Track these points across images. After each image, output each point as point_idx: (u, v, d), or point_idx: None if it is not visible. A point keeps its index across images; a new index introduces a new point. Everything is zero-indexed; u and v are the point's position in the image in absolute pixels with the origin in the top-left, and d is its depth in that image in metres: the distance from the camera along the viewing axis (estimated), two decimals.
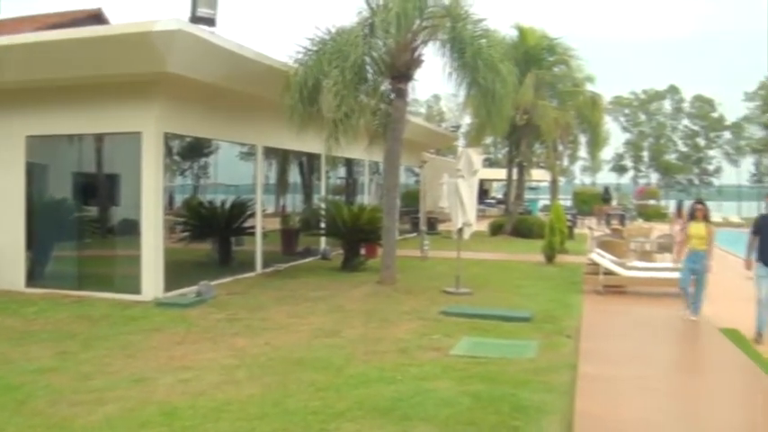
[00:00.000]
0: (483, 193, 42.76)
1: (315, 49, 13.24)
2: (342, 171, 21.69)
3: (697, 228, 11.07)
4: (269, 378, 6.96)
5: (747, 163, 73.03)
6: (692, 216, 11.32)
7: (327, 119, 12.98)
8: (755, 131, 69.35)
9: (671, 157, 79.53)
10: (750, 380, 7.51)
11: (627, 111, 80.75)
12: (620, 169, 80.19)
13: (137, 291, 11.62)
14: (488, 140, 43.13)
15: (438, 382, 6.86)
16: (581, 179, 78.76)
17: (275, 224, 17.31)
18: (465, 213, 13.21)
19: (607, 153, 72.85)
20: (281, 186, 17.94)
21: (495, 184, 50.49)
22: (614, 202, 41.48)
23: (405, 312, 10.65)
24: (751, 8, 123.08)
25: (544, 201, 40.44)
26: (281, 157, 17.31)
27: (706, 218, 11.19)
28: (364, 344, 8.51)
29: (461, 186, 13.14)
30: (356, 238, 16.28)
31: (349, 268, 15.77)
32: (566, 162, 34.37)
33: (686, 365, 8.73)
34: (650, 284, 13.47)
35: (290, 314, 10.44)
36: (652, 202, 49.92)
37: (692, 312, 10.88)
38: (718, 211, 47.42)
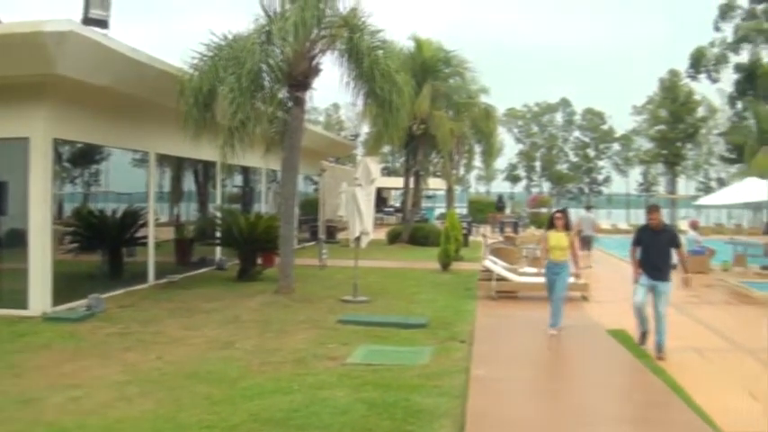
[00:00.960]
0: (381, 201, 43.10)
1: (210, 54, 13.05)
2: (238, 179, 21.42)
3: (557, 238, 10.49)
4: (162, 393, 6.82)
5: (635, 173, 76.68)
6: (551, 225, 10.69)
7: (223, 126, 12.83)
8: (643, 143, 72.87)
9: (562, 167, 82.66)
10: (635, 377, 7.90)
11: (520, 122, 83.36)
12: (513, 178, 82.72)
13: (23, 305, 11.13)
14: (386, 149, 43.54)
15: (334, 390, 6.90)
16: (476, 188, 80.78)
17: (169, 234, 16.88)
18: (362, 222, 13.30)
19: (501, 163, 75.20)
20: (176, 195, 17.56)
21: (393, 193, 50.95)
22: (508, 211, 42.66)
23: (301, 322, 10.63)
24: (640, 26, 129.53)
25: (440, 209, 41.11)
26: (176, 165, 16.95)
27: (567, 227, 10.65)
28: (260, 355, 8.46)
29: (359, 195, 13.23)
30: (253, 247, 16.10)
31: (245, 278, 15.58)
32: (461, 171, 35.13)
33: (574, 365, 9.09)
34: (541, 290, 13.87)
35: (183, 326, 10.24)
36: (544, 210, 51.54)
37: (550, 326, 10.34)
38: (607, 218, 49.60)
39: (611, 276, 17.85)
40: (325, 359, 8.26)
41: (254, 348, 8.83)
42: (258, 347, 8.89)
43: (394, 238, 26.88)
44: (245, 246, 16.02)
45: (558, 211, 11.11)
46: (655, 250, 9.50)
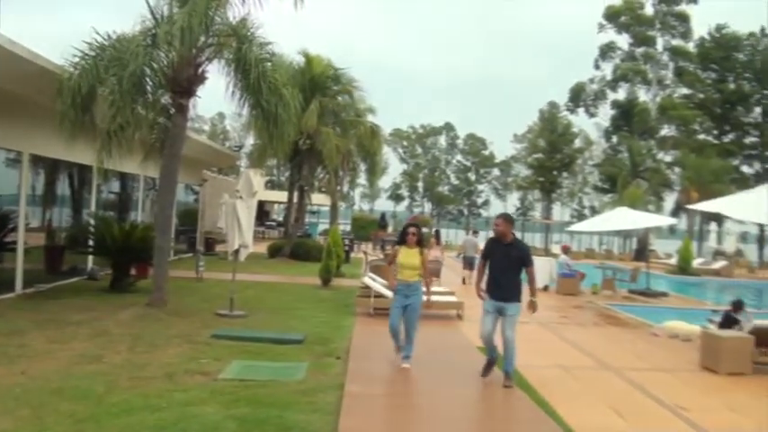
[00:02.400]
0: (264, 215, 42.60)
1: (93, 54, 12.47)
2: (115, 186, 20.62)
3: (408, 255, 9.18)
4: (24, 410, 6.38)
5: (513, 198, 79.29)
6: (403, 240, 9.32)
7: (101, 129, 12.32)
8: (521, 170, 75.41)
9: (444, 189, 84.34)
10: (504, 394, 8.08)
11: (405, 143, 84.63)
12: (397, 197, 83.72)
13: None
14: (272, 163, 43.15)
15: (204, 407, 6.69)
16: (360, 205, 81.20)
17: (40, 240, 15.97)
18: (242, 235, 13.06)
19: (385, 182, 75.91)
20: (49, 199, 16.66)
21: (276, 207, 50.49)
22: (390, 229, 43.05)
23: (174, 336, 10.26)
24: (525, 59, 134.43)
25: (324, 225, 41.04)
26: (51, 167, 16.09)
27: (420, 243, 9.31)
28: (129, 370, 8.09)
29: (239, 207, 12.99)
30: (127, 257, 15.48)
31: (118, 289, 14.93)
32: (346, 188, 35.28)
33: (446, 382, 9.14)
34: (438, 308, 14.04)
35: (50, 339, 9.64)
36: (424, 229, 52.36)
37: (403, 359, 9.18)
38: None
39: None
40: (197, 375, 8.01)
41: (124, 363, 8.45)
42: (127, 362, 8.51)
43: (275, 252, 26.57)
44: (119, 255, 15.37)
45: (410, 225, 9.71)
46: (502, 266, 8.55)
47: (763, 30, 57.22)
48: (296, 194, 28.11)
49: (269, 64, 13.73)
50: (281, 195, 37.31)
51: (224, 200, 14.21)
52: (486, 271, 8.85)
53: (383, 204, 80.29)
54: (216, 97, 14.89)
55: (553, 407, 7.54)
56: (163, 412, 6.46)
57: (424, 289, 9.35)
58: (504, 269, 8.52)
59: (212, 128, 78.75)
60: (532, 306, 8.61)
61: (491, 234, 9.46)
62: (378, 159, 30.00)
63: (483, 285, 8.87)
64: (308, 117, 23.37)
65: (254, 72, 13.15)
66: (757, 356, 10.39)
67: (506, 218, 8.95)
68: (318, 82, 26.01)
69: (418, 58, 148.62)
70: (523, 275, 8.70)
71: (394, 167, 79.85)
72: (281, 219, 44.71)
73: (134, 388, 7.30)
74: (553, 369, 9.77)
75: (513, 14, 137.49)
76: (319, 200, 35.47)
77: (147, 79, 13.16)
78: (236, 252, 13.27)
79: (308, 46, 26.73)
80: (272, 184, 54.41)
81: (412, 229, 9.37)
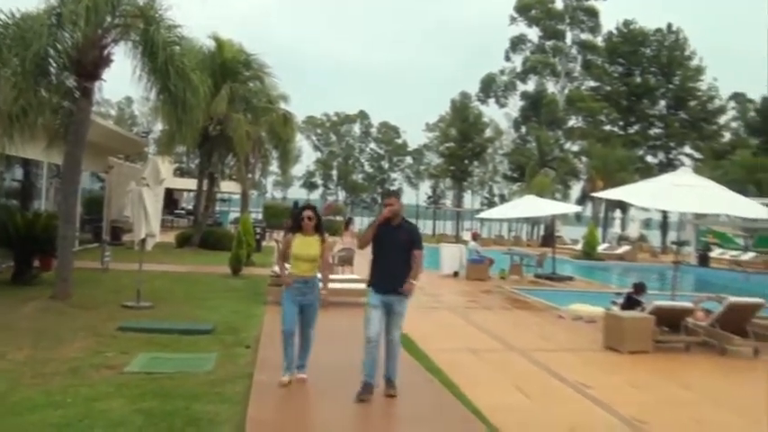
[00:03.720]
0: (173, 203, 41.69)
1: None
2: (18, 173, 19.75)
3: (305, 244, 7.59)
4: None
5: (425, 186, 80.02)
6: (298, 227, 7.65)
7: (2, 112, 11.77)
8: (433, 158, 76.16)
9: (358, 177, 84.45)
10: (413, 377, 8.12)
11: (319, 131, 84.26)
12: (310, 185, 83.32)
13: None
14: (181, 149, 42.20)
15: (110, 401, 6.52)
16: (273, 193, 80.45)
17: None
18: (149, 224, 12.73)
19: (299, 169, 75.38)
20: None
21: (185, 195, 49.48)
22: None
23: (79, 329, 9.93)
24: (438, 49, 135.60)
25: (235, 213, 40.50)
26: None
27: (319, 229, 7.70)
28: (32, 366, 7.78)
29: (146, 195, 12.66)
30: (30, 248, 14.88)
31: (20, 282, 14.30)
32: (257, 175, 34.88)
33: (354, 367, 9.14)
34: (330, 295, 14.03)
35: None
36: (338, 217, 52.37)
37: (298, 369, 7.71)
38: None
39: None
40: (103, 369, 7.77)
41: (26, 359, 8.12)
42: (30, 358, 8.18)
43: (184, 241, 26.00)
44: (21, 246, 14.77)
45: (306, 207, 7.94)
46: (390, 253, 7.25)
47: (669, 26, 59.71)
48: (205, 182, 27.61)
49: (177, 47, 13.41)
50: (191, 183, 36.57)
51: (131, 188, 13.82)
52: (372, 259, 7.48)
53: (296, 192, 79.92)
54: (123, 81, 14.44)
55: (461, 389, 7.70)
56: (67, 408, 6.26)
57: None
58: (393, 257, 7.23)
59: (119, 113, 76.40)
60: (409, 287, 7.18)
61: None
62: (290, 147, 29.83)
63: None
64: (218, 103, 22.97)
65: (161, 55, 12.81)
66: (658, 335, 10.89)
67: (399, 196, 7.75)
68: (229, 67, 25.54)
69: (332, 45, 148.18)
70: None
71: (307, 155, 79.51)
72: (190, 207, 43.87)
73: (37, 385, 7.03)
74: (462, 352, 9.96)
75: (429, 4, 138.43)
76: (230, 188, 34.98)
77: (51, 60, 12.71)
78: (143, 242, 12.94)
79: (220, 30, 26.11)
80: (181, 172, 53.26)
81: (308, 213, 7.66)
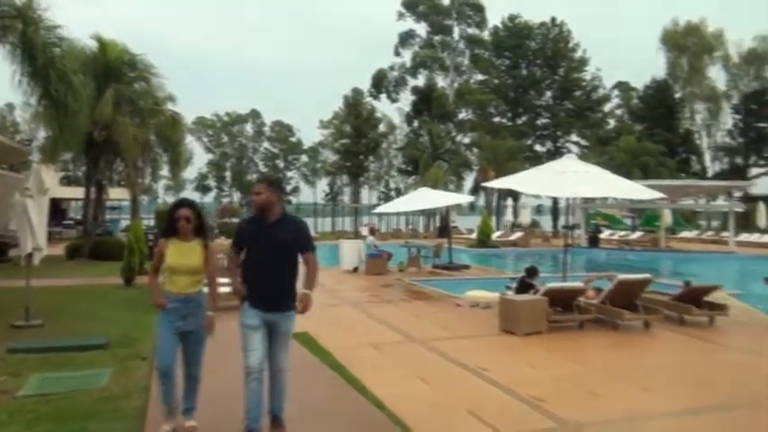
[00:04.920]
0: (60, 213, 40.03)
1: None
2: None
3: (182, 252, 5.93)
4: None
5: (322, 183, 79.91)
6: (172, 230, 5.96)
7: None
8: (329, 155, 76.12)
9: (252, 177, 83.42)
10: (315, 375, 8.14)
11: (210, 132, 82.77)
12: (203, 188, 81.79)
13: None
14: (67, 156, 40.59)
15: (4, 429, 6.19)
16: (164, 198, 78.42)
17: None
18: (35, 237, 12.15)
19: (191, 172, 73.88)
20: None
21: (73, 204, 47.58)
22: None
23: None
24: (330, 46, 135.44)
25: (126, 221, 39.30)
26: None
27: (201, 232, 6.01)
28: None
29: (30, 207, 12.08)
30: None
31: None
32: (147, 180, 33.92)
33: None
34: (229, 299, 13.83)
35: None
36: (234, 219, 51.60)
37: (184, 413, 6.10)
38: None
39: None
40: None
41: None
42: None
43: (74, 253, 24.97)
44: None
45: (181, 204, 6.13)
46: (268, 258, 5.74)
47: (553, 19, 62.07)
48: (93, 190, 26.58)
49: (58, 49, 12.94)
50: (79, 192, 35.16)
51: (15, 199, 13.16)
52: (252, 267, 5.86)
53: (189, 196, 77.91)
54: (3, 86, 13.78)
55: (363, 383, 7.74)
56: None
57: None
58: (272, 262, 5.73)
59: (1, 120, 72.72)
60: (304, 301, 5.73)
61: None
62: (181, 149, 29.06)
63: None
64: (103, 106, 22.14)
65: (41, 58, 12.33)
66: (551, 315, 11.28)
67: (270, 182, 5.92)
68: (113, 68, 24.61)
69: (220, 44, 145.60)
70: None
71: (199, 157, 77.91)
72: (79, 217, 42.22)
73: None
74: (364, 347, 10.00)
75: (316, 1, 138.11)
76: (119, 194, 33.86)
77: None
78: (30, 256, 12.34)
79: (102, 31, 25.05)
80: (68, 180, 51.22)
81: (183, 212, 5.94)
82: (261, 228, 5.80)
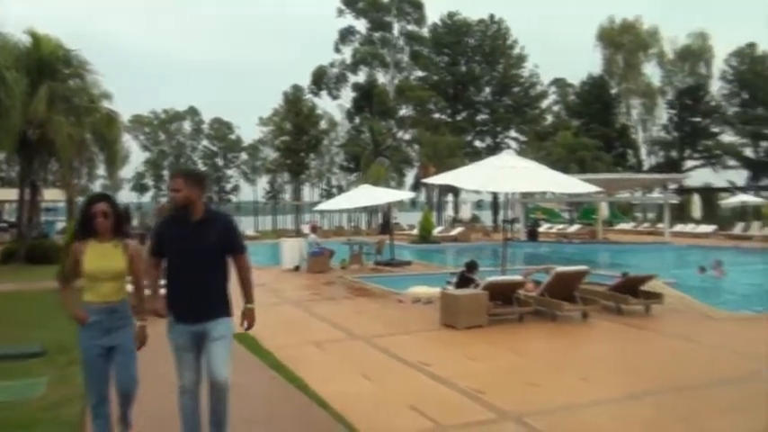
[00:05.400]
0: None
1: None
2: None
3: (100, 254, 5.08)
4: None
5: (263, 181, 79.13)
6: (89, 230, 5.09)
7: None
8: (269, 153, 75.46)
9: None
10: (256, 376, 8.09)
11: (147, 129, 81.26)
12: (141, 188, 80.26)
13: None
14: (1, 156, 39.39)
15: None
16: None
17: None
18: None
19: (127, 171, 72.39)
20: None
21: (8, 206, 46.21)
22: (135, 222, 41.31)
23: None
24: (270, 43, 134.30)
25: (62, 222, 38.37)
26: None
27: (120, 230, 5.18)
28: None
29: None
30: None
31: None
32: (83, 181, 33.15)
33: None
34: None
35: None
36: None
37: None
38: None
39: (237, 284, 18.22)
40: None
41: None
42: None
43: (8, 257, 24.21)
44: None
45: (97, 199, 5.18)
46: (192, 262, 5.01)
47: (491, 16, 62.95)
48: (27, 191, 25.86)
49: None
50: (12, 193, 34.17)
51: None
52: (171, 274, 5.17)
53: (127, 196, 76.62)
54: None
55: (306, 382, 7.72)
56: None
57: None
58: (198, 267, 5.02)
59: None
60: (248, 317, 5.28)
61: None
62: (117, 148, 28.42)
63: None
64: (37, 103, 21.48)
65: None
66: (492, 309, 11.43)
67: (189, 175, 5.11)
68: (47, 64, 23.84)
69: (157, 40, 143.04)
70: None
71: (136, 156, 76.29)
72: (13, 220, 41.03)
73: None
74: (306, 346, 9.98)
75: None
76: (55, 195, 32.99)
77: None
78: None
79: (38, 25, 24.35)
80: (2, 182, 49.72)
81: (100, 206, 5.07)
82: (183, 229, 5.03)
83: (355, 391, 7.49)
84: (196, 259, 5.01)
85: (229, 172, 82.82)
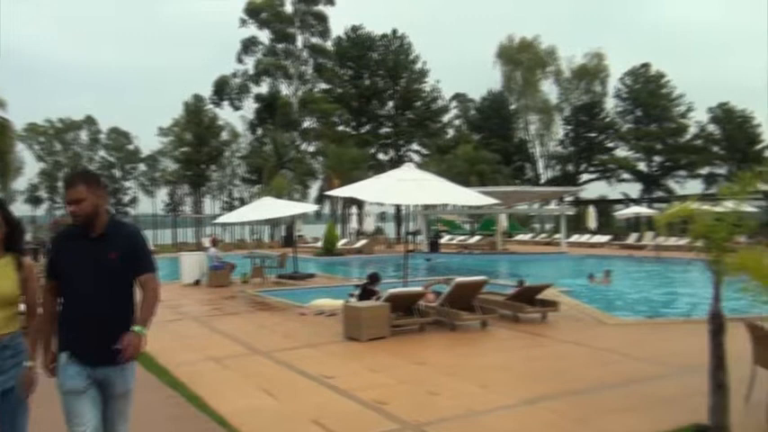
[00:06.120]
0: None
1: None
2: None
3: None
4: None
5: (162, 193, 77.14)
6: None
7: None
8: (169, 164, 73.70)
9: None
10: (153, 395, 7.82)
11: (42, 139, 78.09)
12: (35, 200, 76.98)
13: None
14: None
15: None
16: None
17: None
18: None
19: (21, 183, 69.41)
20: None
21: None
22: (29, 236, 39.65)
23: None
24: (170, 51, 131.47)
25: None
26: None
27: (14, 244, 4.25)
28: None
29: None
30: None
31: None
32: None
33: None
34: None
35: None
36: None
37: None
38: None
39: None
40: None
41: None
42: None
43: None
44: None
45: None
46: (90, 286, 4.05)
47: (394, 31, 63.75)
48: None
49: None
50: None
51: None
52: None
53: (20, 209, 73.31)
54: None
55: (205, 400, 7.56)
56: None
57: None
58: (97, 293, 4.06)
59: None
60: (132, 343, 3.89)
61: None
62: (9, 158, 27.34)
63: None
64: None
65: None
66: (393, 320, 11.51)
67: (90, 179, 4.19)
68: None
69: (55, 47, 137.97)
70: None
71: (30, 167, 73.16)
72: None
73: None
74: (205, 362, 9.78)
75: (158, 4, 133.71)
76: None
77: None
78: None
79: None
80: None
81: None
82: (81, 246, 4.11)
83: (256, 408, 7.38)
84: (97, 282, 4.04)
85: (127, 183, 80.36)
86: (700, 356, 6.09)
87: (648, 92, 63.06)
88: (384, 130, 65.03)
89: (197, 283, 20.73)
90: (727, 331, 5.98)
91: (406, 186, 13.65)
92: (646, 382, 8.21)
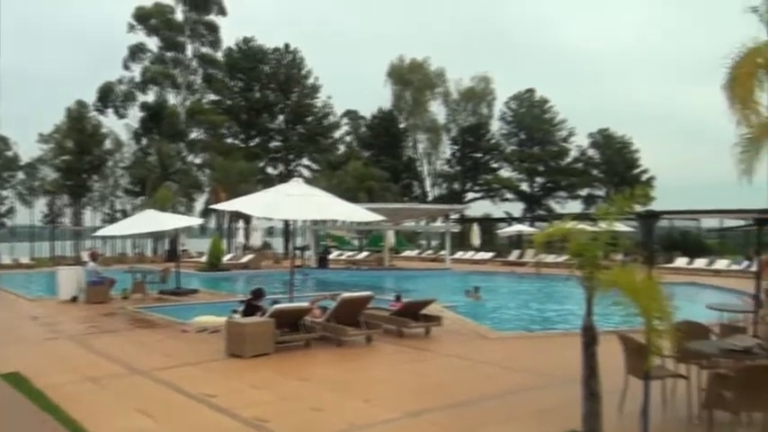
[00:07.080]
0: None
1: None
2: None
3: None
4: None
5: (41, 204, 73.45)
6: None
7: None
8: (49, 173, 70.32)
9: None
10: (27, 419, 7.50)
11: None
12: None
13: None
14: None
15: None
16: None
17: None
18: None
19: None
20: None
21: None
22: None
23: None
24: (52, 54, 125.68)
25: None
26: None
27: None
28: None
29: None
30: None
31: None
32: None
33: None
34: None
35: None
36: None
37: None
38: (10, 253, 46.23)
39: (6, 317, 16.89)
40: None
41: None
42: None
43: None
44: None
45: None
46: None
47: (287, 45, 63.63)
48: None
49: None
50: None
51: None
52: None
53: None
54: None
55: (80, 423, 7.26)
56: None
57: None
58: None
59: None
60: None
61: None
62: None
63: None
64: None
65: None
66: (278, 336, 11.42)
67: None
68: None
69: None
70: None
71: None
72: None
73: None
74: (82, 383, 9.39)
75: (43, 7, 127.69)
76: None
77: None
78: None
79: None
80: None
81: None
82: None
83: (134, 430, 7.19)
84: None
85: (4, 192, 76.13)
86: (577, 368, 6.38)
87: (532, 116, 65.76)
88: (274, 143, 64.57)
89: (74, 299, 19.84)
90: (600, 343, 6.29)
91: (295, 201, 13.63)
92: (525, 393, 8.54)
